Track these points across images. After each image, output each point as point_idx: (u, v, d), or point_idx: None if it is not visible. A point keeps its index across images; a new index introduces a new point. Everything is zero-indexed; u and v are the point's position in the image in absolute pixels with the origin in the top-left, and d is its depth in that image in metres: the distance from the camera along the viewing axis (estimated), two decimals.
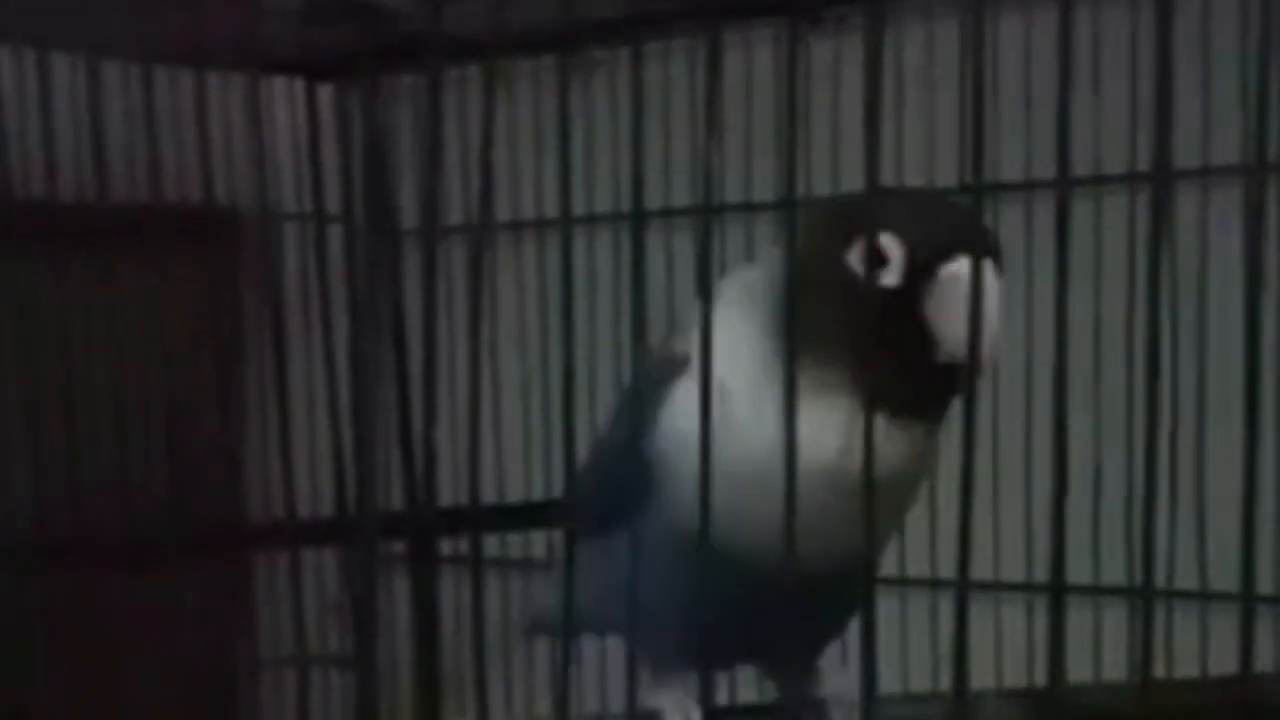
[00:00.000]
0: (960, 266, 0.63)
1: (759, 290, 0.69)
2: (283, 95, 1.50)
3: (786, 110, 0.55)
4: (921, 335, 0.65)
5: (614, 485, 0.72)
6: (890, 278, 0.65)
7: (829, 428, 0.65)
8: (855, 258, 0.66)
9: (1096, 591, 1.21)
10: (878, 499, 0.68)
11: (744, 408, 0.66)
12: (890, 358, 0.64)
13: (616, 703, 0.78)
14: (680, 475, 0.65)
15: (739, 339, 0.67)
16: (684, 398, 0.67)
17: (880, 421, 0.63)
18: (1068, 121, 0.51)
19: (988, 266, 0.61)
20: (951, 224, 0.66)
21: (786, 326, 0.64)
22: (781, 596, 0.64)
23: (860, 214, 0.66)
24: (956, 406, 0.67)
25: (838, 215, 0.68)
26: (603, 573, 0.69)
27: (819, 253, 0.66)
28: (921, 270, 0.65)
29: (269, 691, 1.42)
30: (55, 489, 1.14)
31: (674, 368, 0.69)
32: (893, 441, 0.65)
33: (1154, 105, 0.52)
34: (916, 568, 1.29)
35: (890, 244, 0.65)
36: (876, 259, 0.65)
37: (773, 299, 0.67)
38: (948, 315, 0.64)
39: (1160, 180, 0.51)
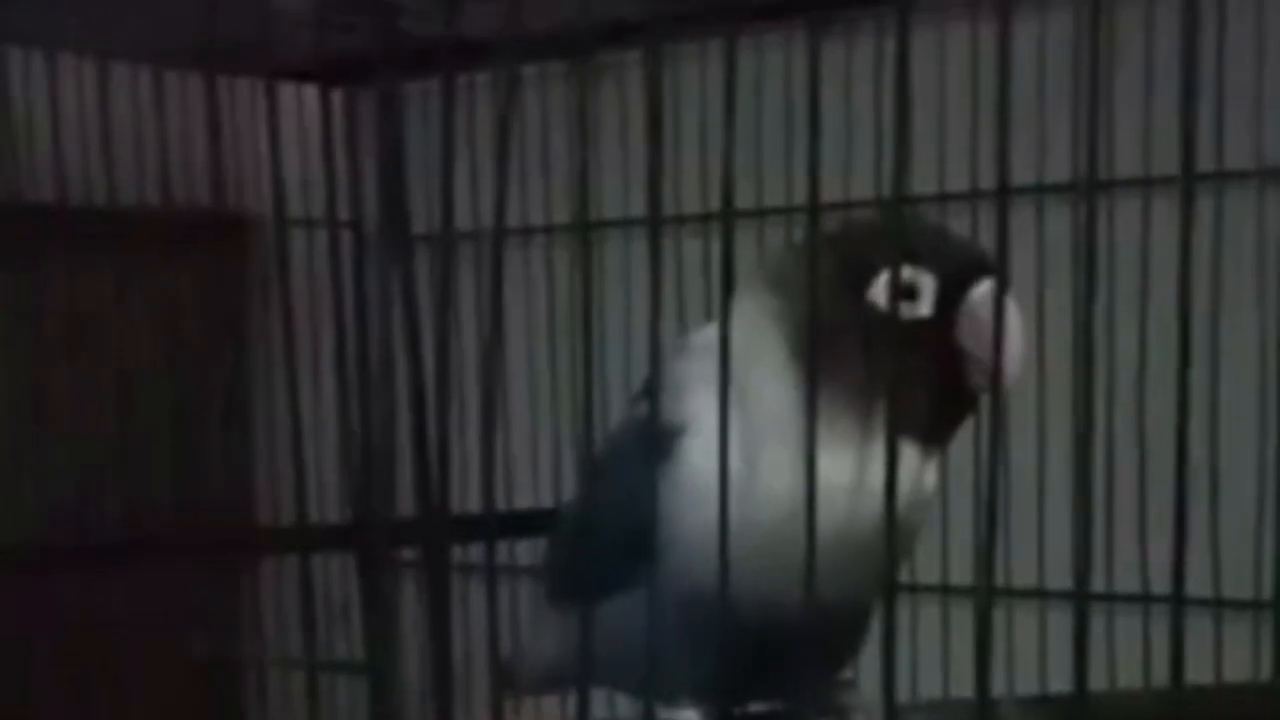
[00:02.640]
0: (988, 289, 0.64)
1: (761, 329, 0.67)
2: (292, 100, 1.50)
3: (809, 117, 0.54)
4: (952, 363, 0.65)
5: (612, 549, 0.70)
6: (923, 309, 0.65)
7: (875, 468, 0.64)
8: (879, 293, 0.65)
9: (1111, 599, 1.20)
10: (912, 527, 0.68)
11: (770, 456, 0.65)
12: (926, 390, 0.64)
13: (624, 708, 0.78)
14: (698, 532, 0.63)
15: (750, 384, 0.65)
16: (695, 452, 0.66)
17: (916, 454, 0.64)
18: (1097, 122, 0.51)
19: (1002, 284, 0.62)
20: (961, 248, 0.67)
21: (809, 369, 0.63)
22: (805, 636, 0.63)
23: (876, 248, 0.65)
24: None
25: (846, 251, 0.67)
26: (604, 634, 0.65)
27: (831, 291, 0.64)
28: (950, 298, 0.65)
29: (276, 697, 1.42)
30: (63, 492, 1.14)
31: (675, 425, 0.68)
32: (925, 472, 0.66)
33: (1180, 107, 0.51)
34: (928, 574, 1.29)
35: (917, 275, 0.65)
36: (905, 292, 0.65)
37: (782, 338, 0.66)
38: (987, 335, 0.63)
39: (1186, 181, 0.51)
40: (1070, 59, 1.18)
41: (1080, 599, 0.54)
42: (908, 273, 0.65)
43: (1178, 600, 0.55)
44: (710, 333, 0.69)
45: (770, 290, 0.68)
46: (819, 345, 0.63)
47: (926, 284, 0.65)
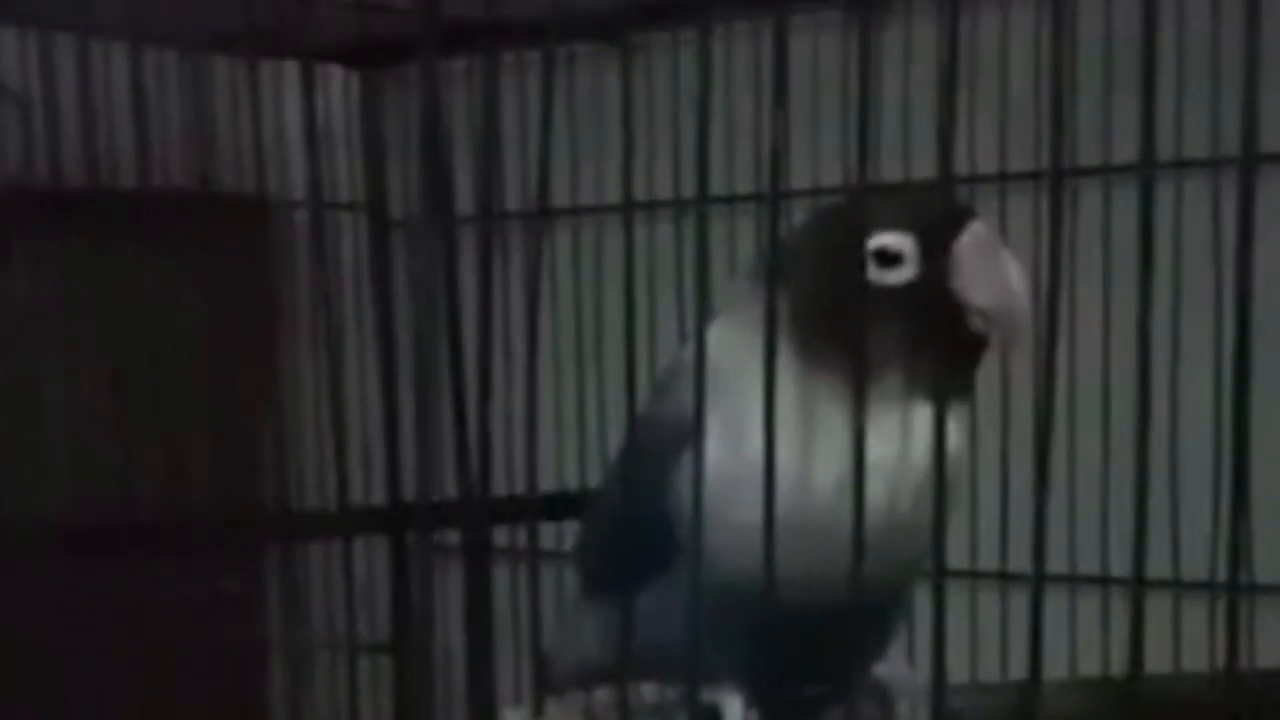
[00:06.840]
0: (972, 233, 0.65)
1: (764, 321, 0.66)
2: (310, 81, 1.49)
3: (860, 101, 0.54)
4: (952, 317, 0.65)
5: (644, 537, 0.70)
6: (908, 272, 0.65)
7: (912, 439, 0.64)
8: (869, 265, 0.65)
9: (1178, 585, 1.19)
10: (953, 488, 0.68)
11: (798, 443, 0.64)
12: (932, 351, 0.64)
13: (649, 695, 0.77)
14: (729, 523, 0.62)
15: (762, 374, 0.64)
16: (721, 443, 0.64)
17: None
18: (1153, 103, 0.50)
19: (987, 227, 0.64)
20: (934, 202, 0.68)
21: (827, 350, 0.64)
22: (847, 619, 0.63)
23: (852, 223, 0.66)
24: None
25: (828, 232, 0.68)
26: (642, 621, 0.64)
27: (827, 273, 0.65)
28: (935, 254, 0.65)
29: (308, 678, 1.42)
30: (98, 475, 1.14)
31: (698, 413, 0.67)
32: (955, 431, 0.66)
33: (1243, 90, 0.51)
34: (988, 560, 1.28)
35: (898, 241, 0.65)
36: (887, 260, 0.65)
37: (789, 323, 0.65)
38: (981, 278, 0.64)
39: (1247, 165, 0.50)
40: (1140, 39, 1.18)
41: (1139, 584, 0.54)
42: (885, 240, 0.65)
43: (1233, 588, 0.54)
44: (734, 317, 0.68)
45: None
46: (821, 328, 0.64)
47: (907, 246, 0.65)
